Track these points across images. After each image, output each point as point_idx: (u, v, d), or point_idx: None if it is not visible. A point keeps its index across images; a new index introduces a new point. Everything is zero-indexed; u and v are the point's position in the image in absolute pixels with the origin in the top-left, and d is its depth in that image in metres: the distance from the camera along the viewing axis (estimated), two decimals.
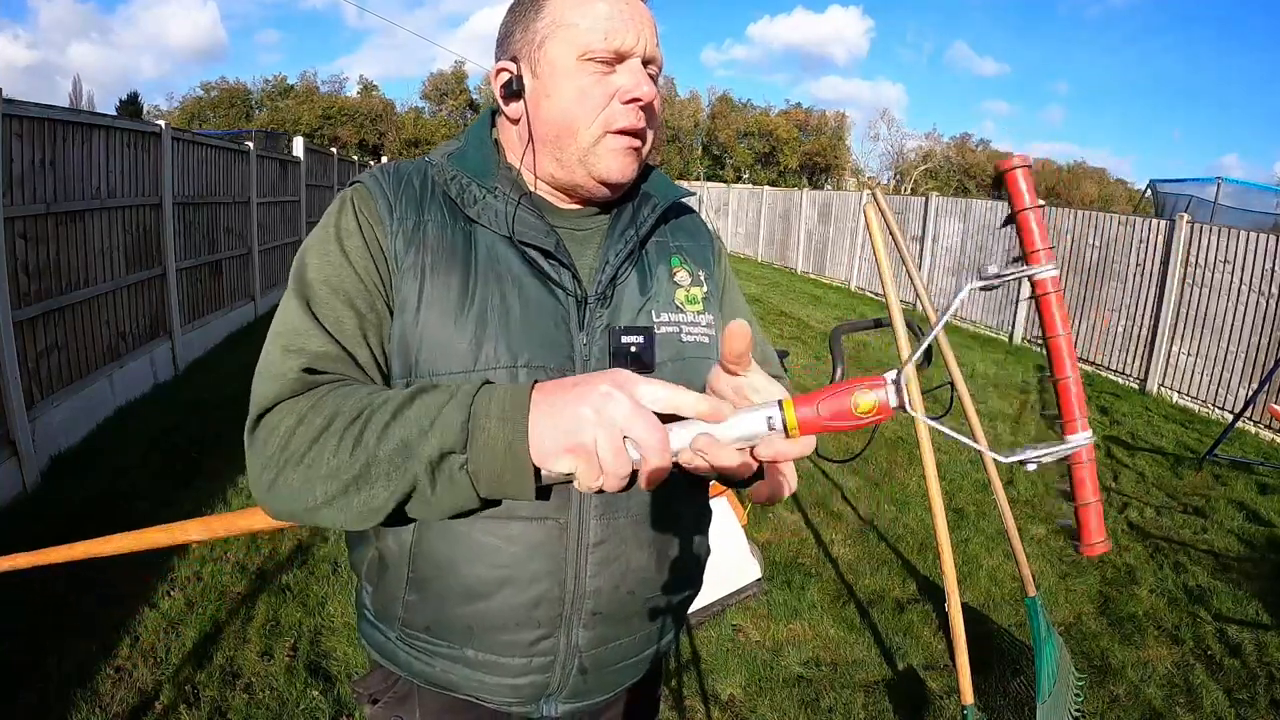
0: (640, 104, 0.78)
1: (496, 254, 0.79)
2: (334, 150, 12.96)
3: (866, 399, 0.54)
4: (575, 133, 0.79)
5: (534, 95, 0.80)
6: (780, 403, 0.55)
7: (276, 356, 0.71)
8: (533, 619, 0.80)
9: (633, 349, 0.81)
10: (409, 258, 0.77)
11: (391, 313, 0.77)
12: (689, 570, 0.91)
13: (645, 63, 0.80)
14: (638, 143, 0.81)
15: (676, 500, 0.86)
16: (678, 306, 0.86)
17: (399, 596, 0.82)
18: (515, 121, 0.83)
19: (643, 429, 0.52)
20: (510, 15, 0.84)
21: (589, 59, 0.77)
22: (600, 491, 0.54)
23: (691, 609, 2.58)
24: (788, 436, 0.55)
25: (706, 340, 0.87)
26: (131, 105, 39.08)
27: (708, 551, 0.98)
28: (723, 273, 0.96)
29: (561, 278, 0.80)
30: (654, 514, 0.84)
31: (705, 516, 0.96)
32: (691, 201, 0.99)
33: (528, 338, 0.77)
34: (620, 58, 0.78)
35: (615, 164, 0.80)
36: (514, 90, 0.81)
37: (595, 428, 0.53)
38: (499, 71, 0.83)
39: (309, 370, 0.70)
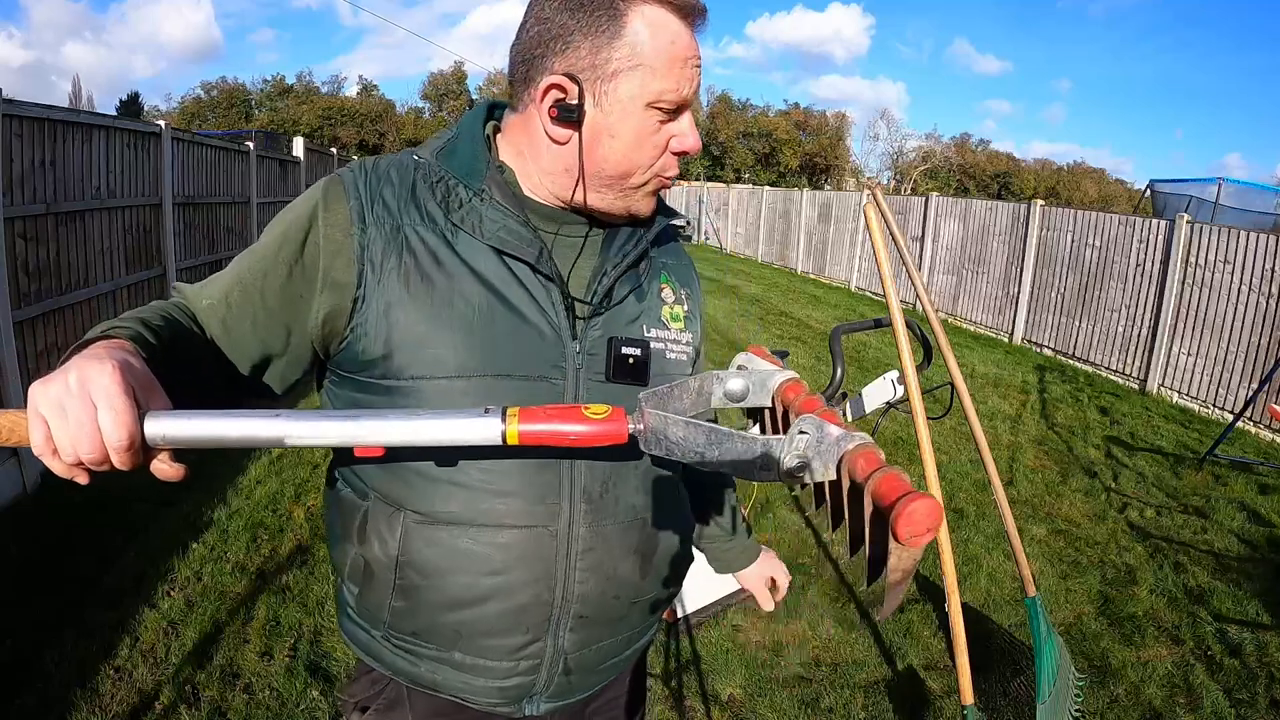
0: (688, 156, 0.80)
1: (480, 260, 0.77)
2: (334, 150, 12.98)
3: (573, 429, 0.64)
4: (629, 177, 0.78)
5: (594, 128, 0.74)
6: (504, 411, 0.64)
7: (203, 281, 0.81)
8: (521, 624, 0.80)
9: (631, 360, 0.81)
10: (389, 260, 0.75)
11: (324, 316, 0.76)
12: (672, 572, 0.92)
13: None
14: (669, 182, 0.83)
15: (661, 507, 0.87)
16: (663, 323, 0.87)
17: (385, 603, 0.81)
18: (560, 144, 0.76)
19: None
20: (571, 17, 0.73)
21: (656, 106, 0.74)
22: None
23: (691, 609, 2.61)
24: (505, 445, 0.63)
25: (685, 359, 0.88)
26: (132, 105, 39.15)
27: (691, 554, 0.99)
28: (700, 294, 0.98)
29: (549, 289, 0.78)
30: (640, 520, 0.85)
31: (689, 521, 0.98)
32: (681, 223, 1.03)
33: (511, 347, 0.76)
34: (682, 107, 0.76)
35: (649, 204, 0.84)
36: (569, 113, 0.73)
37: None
38: (551, 87, 0.74)
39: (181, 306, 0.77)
